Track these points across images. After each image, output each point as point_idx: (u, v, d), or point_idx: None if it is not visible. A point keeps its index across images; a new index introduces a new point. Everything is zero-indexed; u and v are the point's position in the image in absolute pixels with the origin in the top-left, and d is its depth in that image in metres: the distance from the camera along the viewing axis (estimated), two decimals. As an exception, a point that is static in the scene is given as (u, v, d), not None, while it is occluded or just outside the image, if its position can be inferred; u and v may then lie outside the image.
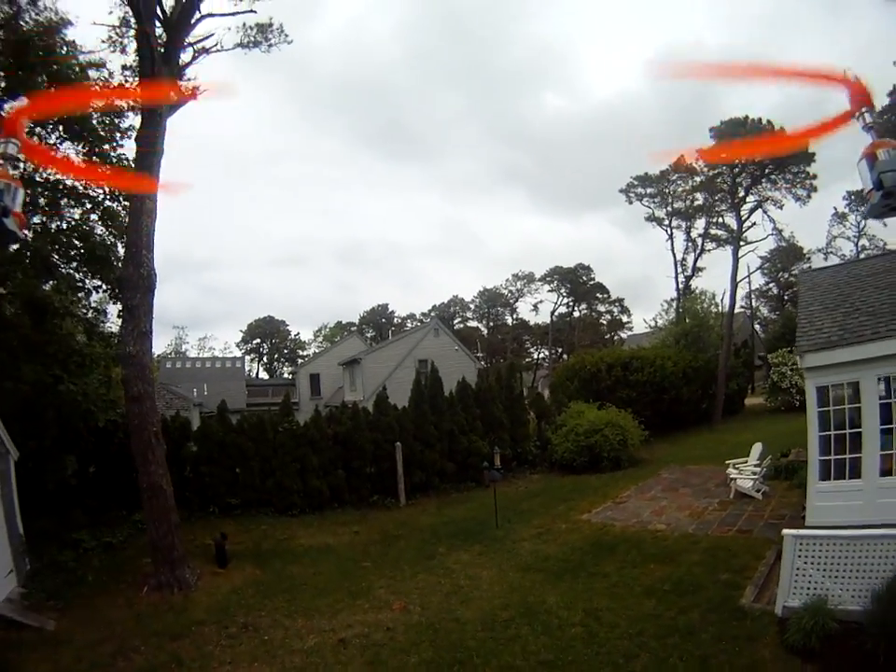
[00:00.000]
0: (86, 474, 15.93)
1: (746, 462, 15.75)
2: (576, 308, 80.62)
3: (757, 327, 58.38)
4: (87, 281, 16.28)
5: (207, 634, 9.24)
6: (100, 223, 16.27)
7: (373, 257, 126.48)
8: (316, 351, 76.95)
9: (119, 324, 15.02)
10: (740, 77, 5.43)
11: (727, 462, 15.97)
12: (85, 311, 16.81)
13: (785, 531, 8.11)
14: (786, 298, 61.58)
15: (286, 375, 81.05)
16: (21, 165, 14.17)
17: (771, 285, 64.20)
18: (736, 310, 38.93)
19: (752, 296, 55.11)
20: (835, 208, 54.24)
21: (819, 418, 10.64)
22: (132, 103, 15.45)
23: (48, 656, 8.52)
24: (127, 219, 14.58)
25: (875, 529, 7.59)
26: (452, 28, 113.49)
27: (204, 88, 14.96)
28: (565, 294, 78.81)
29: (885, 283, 11.88)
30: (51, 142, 15.09)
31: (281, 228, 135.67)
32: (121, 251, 15.48)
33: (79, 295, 16.31)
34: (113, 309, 17.36)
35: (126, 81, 15.84)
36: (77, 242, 15.65)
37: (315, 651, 8.35)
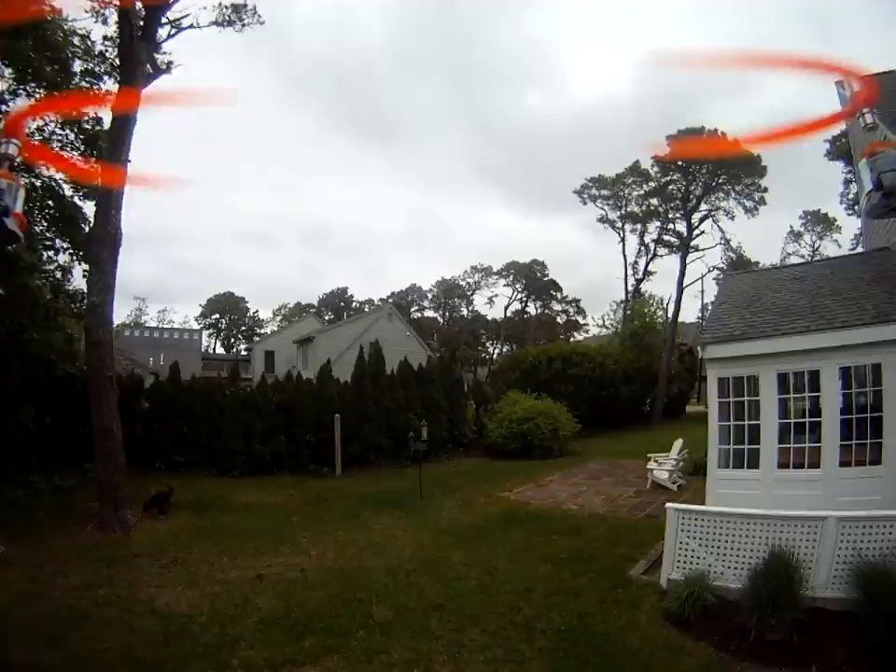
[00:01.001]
0: (43, 423, 16.65)
1: (667, 456, 16.56)
2: (529, 302, 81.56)
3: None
4: (56, 241, 17.12)
5: (140, 564, 10.13)
6: (69, 185, 17.03)
7: (339, 241, 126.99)
8: (274, 329, 77.20)
9: (84, 284, 16.06)
10: (741, 64, 5.38)
11: (648, 455, 16.76)
12: (52, 269, 17.63)
13: (668, 505, 8.63)
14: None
15: (242, 352, 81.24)
16: None
17: (726, 295, 64.97)
18: (691, 319, 40.01)
19: (705, 305, 56.62)
20: (791, 226, 55.69)
21: (720, 408, 11.00)
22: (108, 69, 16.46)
23: (-7, 571, 9.40)
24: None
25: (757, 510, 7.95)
26: (439, 18, 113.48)
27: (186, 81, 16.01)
28: (520, 289, 79.89)
29: (799, 287, 12.26)
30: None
31: (249, 205, 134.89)
32: (87, 212, 16.55)
33: (49, 253, 17.16)
34: (78, 270, 18.22)
35: (106, 51, 16.75)
36: (49, 202, 16.42)
37: (233, 581, 9.24)
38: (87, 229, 16.64)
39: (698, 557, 7.97)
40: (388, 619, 7.77)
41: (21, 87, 15.94)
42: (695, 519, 8.14)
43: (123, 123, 14.06)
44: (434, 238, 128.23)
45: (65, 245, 17.48)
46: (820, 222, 53.17)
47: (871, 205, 4.36)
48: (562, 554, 10.26)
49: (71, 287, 18.27)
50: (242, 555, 10.65)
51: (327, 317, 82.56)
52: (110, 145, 14.36)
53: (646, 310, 40.57)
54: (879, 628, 6.06)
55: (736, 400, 10.90)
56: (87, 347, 13.82)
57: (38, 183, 16.46)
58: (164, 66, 16.19)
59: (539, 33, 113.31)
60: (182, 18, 15.77)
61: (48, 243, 17.00)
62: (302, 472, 19.16)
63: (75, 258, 17.79)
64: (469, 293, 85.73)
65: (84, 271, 17.03)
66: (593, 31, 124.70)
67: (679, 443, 17.14)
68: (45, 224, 16.81)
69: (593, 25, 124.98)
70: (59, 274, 17.96)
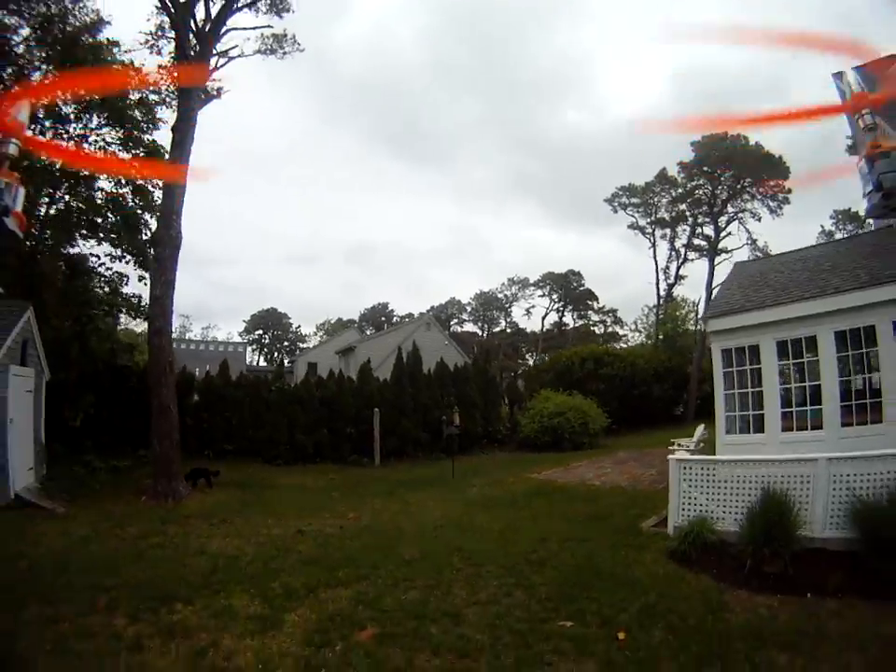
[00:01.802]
0: (101, 415, 17.97)
1: (690, 440, 16.89)
2: (566, 312, 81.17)
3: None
4: (119, 248, 18.74)
5: (192, 523, 11.22)
6: (133, 197, 18.69)
7: (381, 257, 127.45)
8: (316, 343, 78.19)
9: (139, 289, 18.43)
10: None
11: (672, 440, 17.19)
12: (111, 275, 19.21)
13: (669, 456, 9.18)
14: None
15: (286, 364, 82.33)
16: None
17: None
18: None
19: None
20: (822, 226, 55.09)
21: (724, 378, 11.44)
22: (165, 97, 18.11)
23: (56, 525, 10.61)
24: (156, 194, 17.72)
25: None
26: (475, 36, 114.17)
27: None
28: (556, 299, 79.72)
29: (801, 266, 12.43)
30: (92, 126, 17.54)
31: (292, 225, 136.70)
32: (149, 220, 18.58)
33: (106, 260, 18.80)
34: (133, 276, 19.73)
35: (159, 80, 18.33)
36: (112, 211, 18.01)
37: (277, 536, 10.19)
38: (146, 236, 18.44)
39: (700, 504, 8.50)
40: (415, 557, 8.57)
41: (84, 113, 17.49)
42: (696, 468, 8.70)
43: (185, 130, 15.60)
44: (472, 252, 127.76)
45: (123, 253, 18.92)
46: (851, 220, 52.56)
47: (871, 205, 4.77)
48: (579, 516, 11.01)
49: (127, 292, 19.69)
50: (285, 518, 11.65)
51: (368, 331, 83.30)
52: (174, 149, 15.82)
53: (678, 313, 41.01)
54: (874, 556, 6.49)
55: (739, 370, 11.37)
56: (149, 335, 15.27)
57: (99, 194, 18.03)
58: (215, 92, 17.70)
59: (579, 48, 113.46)
60: (230, 49, 17.55)
61: (113, 240, 18.44)
62: (343, 462, 20.20)
63: (134, 263, 19.18)
64: (506, 305, 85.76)
65: (139, 276, 18.69)
66: (631, 46, 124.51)
67: (700, 428, 17.59)
68: (107, 230, 18.24)
69: (631, 40, 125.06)
70: (117, 279, 19.33)
